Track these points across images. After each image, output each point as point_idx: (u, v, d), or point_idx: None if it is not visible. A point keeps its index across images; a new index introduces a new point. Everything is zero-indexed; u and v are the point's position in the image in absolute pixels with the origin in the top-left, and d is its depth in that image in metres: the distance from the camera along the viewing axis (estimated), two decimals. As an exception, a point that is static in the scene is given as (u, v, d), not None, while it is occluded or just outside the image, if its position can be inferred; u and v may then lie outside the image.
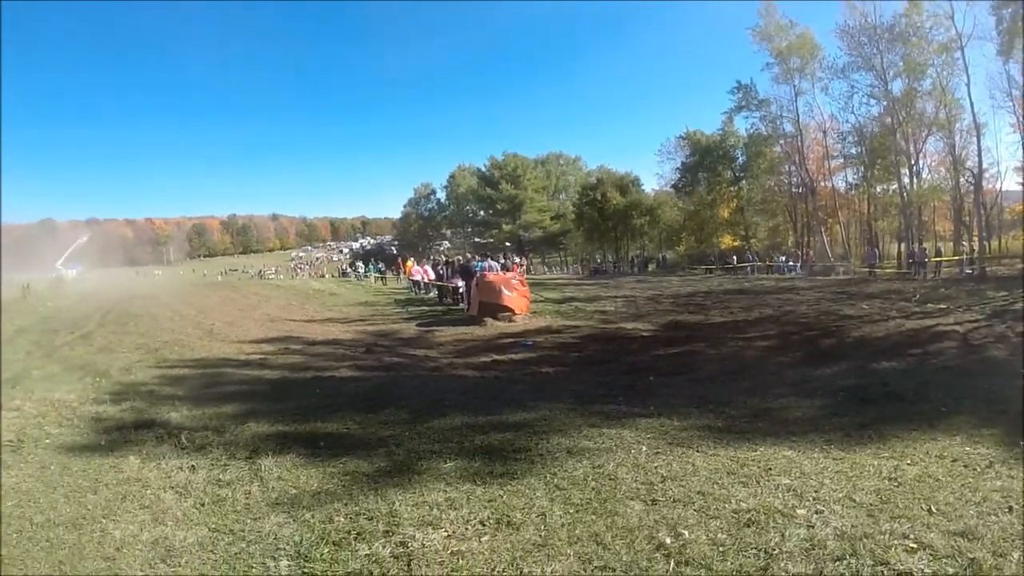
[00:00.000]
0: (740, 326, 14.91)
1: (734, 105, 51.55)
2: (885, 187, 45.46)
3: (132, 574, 3.46)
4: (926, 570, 3.11)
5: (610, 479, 4.49)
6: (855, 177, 47.98)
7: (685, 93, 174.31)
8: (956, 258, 34.10)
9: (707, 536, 3.52)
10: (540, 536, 3.61)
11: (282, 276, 74.38)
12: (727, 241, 57.76)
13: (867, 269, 33.92)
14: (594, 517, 3.84)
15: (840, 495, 4.09)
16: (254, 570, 3.42)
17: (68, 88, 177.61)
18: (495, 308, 16.61)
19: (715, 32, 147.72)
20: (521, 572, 3.27)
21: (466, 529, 3.75)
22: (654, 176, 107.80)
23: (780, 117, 48.21)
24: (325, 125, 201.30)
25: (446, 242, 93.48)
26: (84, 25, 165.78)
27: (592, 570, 3.25)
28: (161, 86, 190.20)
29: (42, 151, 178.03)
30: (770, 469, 4.63)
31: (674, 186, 62.69)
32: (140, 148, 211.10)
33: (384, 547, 3.56)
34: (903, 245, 42.82)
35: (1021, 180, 39.75)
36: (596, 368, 10.64)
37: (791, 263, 40.90)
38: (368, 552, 3.51)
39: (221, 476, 4.85)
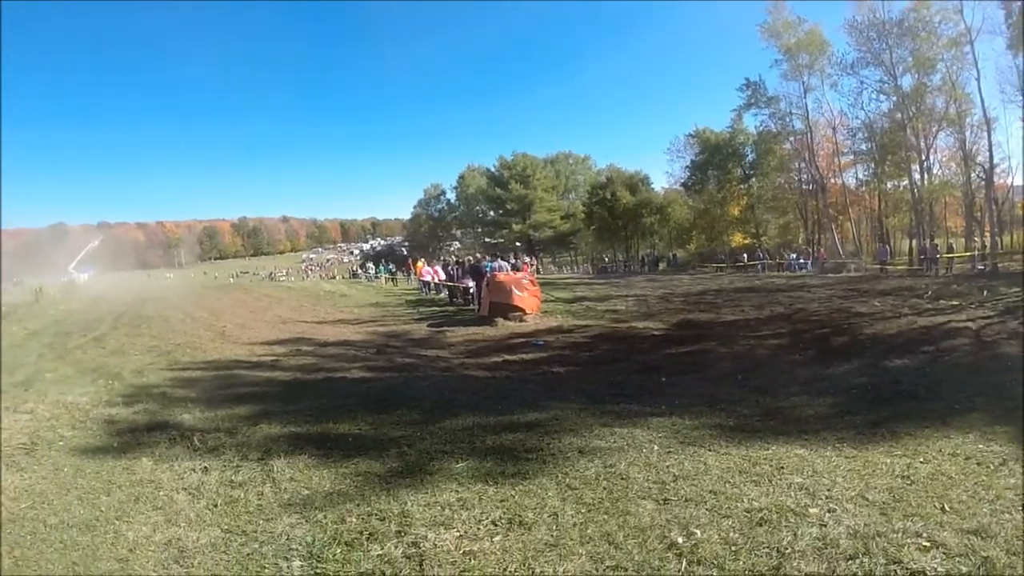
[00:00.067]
0: (751, 324, 14.84)
1: (743, 102, 51.33)
2: (896, 183, 45.23)
3: (145, 575, 3.48)
4: (939, 569, 3.09)
5: (622, 478, 4.49)
6: (865, 173, 47.87)
7: (694, 91, 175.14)
8: (968, 254, 33.95)
9: (719, 535, 3.51)
10: (552, 536, 3.61)
11: (293, 278, 74.56)
12: (738, 239, 57.62)
13: (878, 266, 33.69)
14: (606, 517, 3.84)
15: (852, 493, 4.08)
16: (267, 571, 3.43)
17: (78, 92, 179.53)
18: (506, 308, 16.60)
19: (723, 30, 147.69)
20: (533, 572, 3.27)
21: (478, 529, 3.76)
22: (664, 175, 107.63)
23: (789, 114, 48.02)
24: (334, 127, 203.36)
25: (456, 242, 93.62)
26: (93, 26, 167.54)
27: (604, 570, 3.24)
28: (170, 89, 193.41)
29: (53, 156, 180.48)
30: (782, 468, 4.62)
31: (684, 184, 62.61)
32: (150, 151, 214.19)
33: (396, 547, 3.56)
34: (914, 241, 42.54)
35: (1032, 175, 39.51)
36: (607, 367, 10.63)
37: (802, 260, 40.77)
38: (380, 552, 3.52)
39: (233, 477, 4.86)
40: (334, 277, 63.95)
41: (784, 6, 44.59)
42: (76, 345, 13.29)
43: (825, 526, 3.57)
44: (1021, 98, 34.96)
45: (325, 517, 4.02)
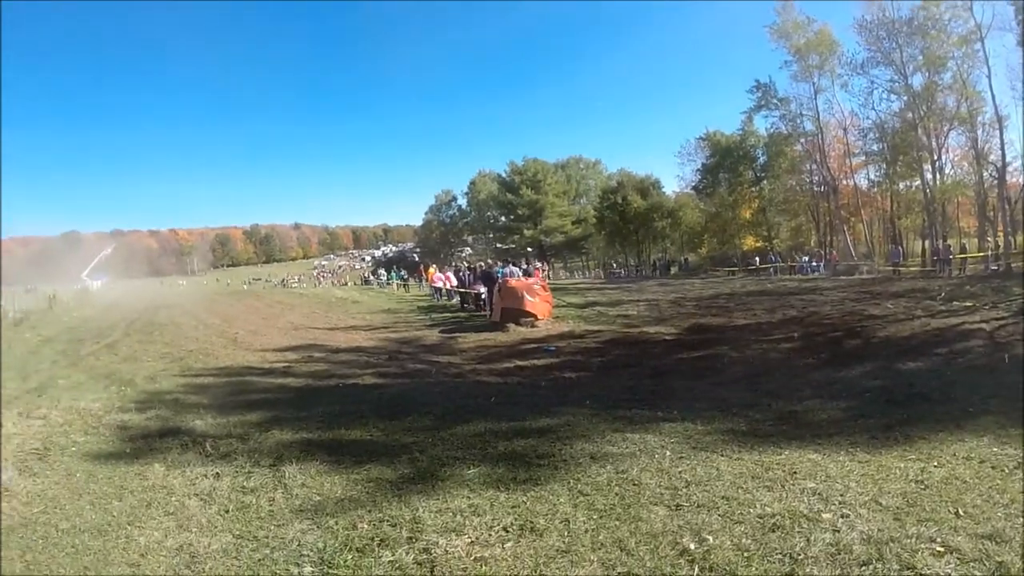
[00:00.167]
0: (764, 328, 14.77)
1: (753, 104, 51.17)
2: (908, 184, 45.04)
3: (157, 580, 3.50)
4: (953, 574, 3.07)
5: (634, 484, 4.47)
6: (877, 174, 47.71)
7: (704, 92, 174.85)
8: (981, 254, 33.68)
9: (732, 541, 3.49)
10: (564, 542, 3.60)
11: (305, 284, 74.89)
12: (749, 242, 57.48)
13: (891, 268, 33.50)
14: (618, 523, 3.83)
15: (866, 498, 4.05)
16: (278, 577, 3.44)
17: (88, 97, 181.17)
18: (518, 313, 16.61)
19: (734, 30, 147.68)
20: (544, 578, 3.26)
21: (489, 535, 3.75)
22: (675, 178, 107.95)
23: (800, 115, 47.83)
24: (346, 134, 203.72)
25: (468, 248, 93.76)
26: (95, 27, 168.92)
27: (616, 576, 3.24)
28: (181, 94, 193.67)
29: (68, 166, 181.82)
30: (795, 473, 4.60)
31: (695, 188, 62.61)
32: (161, 159, 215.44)
33: (407, 554, 3.56)
34: (927, 242, 42.34)
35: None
36: (619, 373, 10.63)
37: (814, 263, 40.55)
38: (392, 559, 3.52)
39: (245, 483, 4.87)
40: (346, 283, 64.11)
41: (793, 6, 44.59)
42: (89, 351, 13.37)
43: (838, 531, 3.55)
44: (1033, 95, 34.79)
45: (336, 523, 4.02)
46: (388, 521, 4.01)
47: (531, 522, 3.88)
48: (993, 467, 4.60)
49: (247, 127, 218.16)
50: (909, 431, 5.70)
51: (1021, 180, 41.03)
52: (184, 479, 5.04)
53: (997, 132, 37.99)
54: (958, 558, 3.20)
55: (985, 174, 39.59)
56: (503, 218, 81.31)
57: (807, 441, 5.54)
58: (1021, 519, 3.64)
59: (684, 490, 4.32)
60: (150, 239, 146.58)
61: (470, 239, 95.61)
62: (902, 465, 4.72)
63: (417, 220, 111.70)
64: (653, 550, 3.44)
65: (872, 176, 48.74)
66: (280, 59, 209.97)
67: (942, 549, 3.29)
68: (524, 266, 25.12)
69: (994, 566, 3.12)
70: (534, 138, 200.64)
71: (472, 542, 3.67)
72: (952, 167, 42.92)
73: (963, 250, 33.82)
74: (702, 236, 63.04)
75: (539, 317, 16.83)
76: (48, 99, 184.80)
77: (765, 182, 55.68)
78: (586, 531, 3.73)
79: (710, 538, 3.53)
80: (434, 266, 36.80)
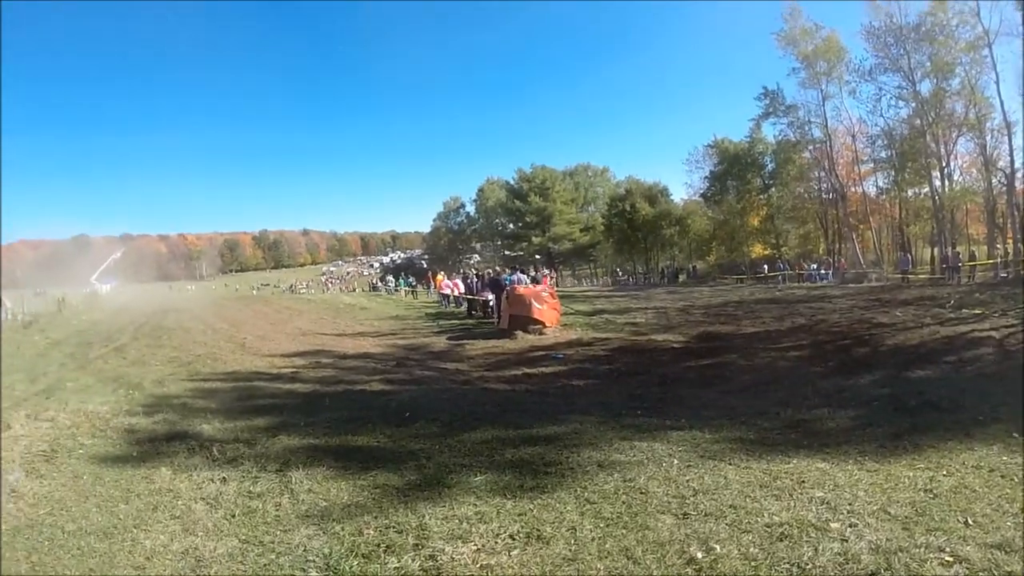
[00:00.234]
0: (772, 336, 14.74)
1: (761, 111, 51.15)
2: (916, 191, 45.03)
3: (163, 584, 3.50)
4: (962, 584, 3.05)
5: (641, 493, 4.46)
6: (885, 181, 47.69)
7: (712, 100, 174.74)
8: (991, 262, 33.58)
9: (739, 551, 3.48)
10: (570, 550, 3.59)
11: (313, 290, 75.03)
12: (758, 250, 57.48)
13: (900, 275, 33.43)
14: (625, 531, 3.81)
15: (874, 508, 4.03)
16: (284, 582, 3.44)
17: (104, 104, 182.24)
18: (526, 321, 16.59)
19: (740, 38, 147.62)
20: (551, 586, 3.25)
21: (496, 543, 3.74)
22: (683, 186, 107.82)
23: (808, 122, 47.77)
24: (355, 141, 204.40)
25: (476, 255, 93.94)
26: (115, 33, 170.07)
27: (622, 584, 3.22)
28: (189, 98, 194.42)
29: (77, 170, 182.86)
30: (803, 482, 4.57)
31: (703, 195, 62.70)
32: (170, 164, 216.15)
33: (413, 560, 3.55)
34: (936, 250, 42.26)
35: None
36: (627, 380, 10.60)
37: (823, 271, 40.54)
38: (397, 565, 3.51)
39: (252, 488, 4.87)
40: (354, 290, 64.27)
41: (800, 13, 44.54)
42: (98, 355, 13.41)
43: (847, 541, 3.53)
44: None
45: (343, 529, 4.02)
46: (394, 527, 4.00)
47: (538, 530, 3.87)
48: (1003, 476, 4.57)
49: (257, 133, 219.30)
50: (918, 440, 5.67)
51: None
52: (191, 483, 5.04)
53: (1006, 138, 37.88)
54: (967, 568, 3.18)
55: (994, 180, 39.46)
56: (511, 225, 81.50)
57: (815, 450, 5.52)
58: (1031, 529, 3.61)
59: (691, 499, 4.30)
60: (159, 243, 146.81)
61: (478, 246, 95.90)
62: (911, 474, 4.69)
63: (425, 227, 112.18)
64: (660, 559, 3.43)
65: (880, 183, 48.77)
66: (290, 66, 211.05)
67: (951, 559, 3.27)
68: (532, 273, 25.09)
69: (1003, 576, 3.10)
70: (542, 145, 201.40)
71: (478, 549, 3.66)
72: (961, 173, 42.93)
73: (972, 257, 33.71)
74: (710, 244, 63.08)
75: (547, 324, 16.81)
76: (59, 102, 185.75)
77: (773, 189, 55.71)
78: (593, 539, 3.71)
79: (717, 547, 3.52)
80: (442, 273, 36.90)
